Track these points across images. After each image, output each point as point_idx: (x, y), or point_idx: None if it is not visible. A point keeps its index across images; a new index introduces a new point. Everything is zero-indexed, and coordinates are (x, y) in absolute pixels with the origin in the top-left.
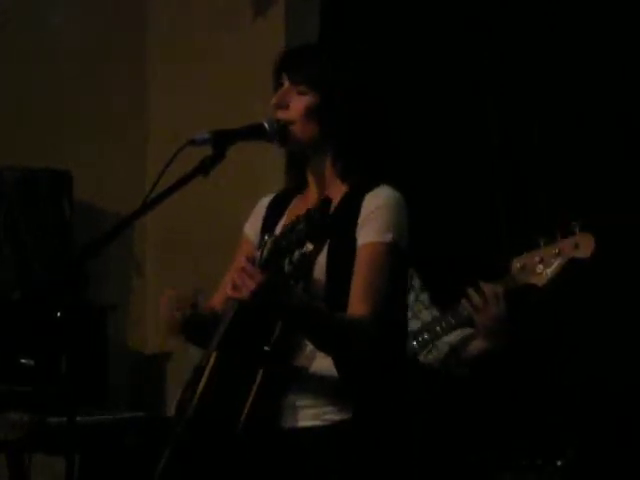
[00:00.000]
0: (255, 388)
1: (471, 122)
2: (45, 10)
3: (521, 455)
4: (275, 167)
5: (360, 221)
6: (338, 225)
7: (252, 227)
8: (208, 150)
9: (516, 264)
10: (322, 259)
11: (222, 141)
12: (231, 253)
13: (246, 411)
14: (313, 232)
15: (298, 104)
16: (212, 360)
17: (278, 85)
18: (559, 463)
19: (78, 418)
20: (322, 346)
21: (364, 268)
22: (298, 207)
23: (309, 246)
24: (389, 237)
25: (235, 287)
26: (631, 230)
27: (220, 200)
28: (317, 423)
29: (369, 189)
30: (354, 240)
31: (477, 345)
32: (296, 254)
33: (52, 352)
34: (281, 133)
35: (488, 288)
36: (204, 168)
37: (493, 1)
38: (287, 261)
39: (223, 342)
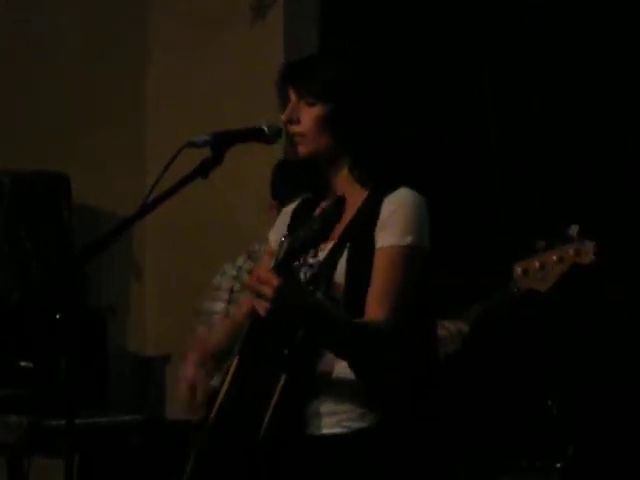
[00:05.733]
0: (277, 395)
1: (470, 122)
2: (45, 10)
3: (520, 457)
4: None
5: (379, 225)
6: (357, 228)
7: (276, 235)
8: (207, 152)
9: (518, 269)
10: (342, 264)
11: (221, 143)
12: (229, 257)
13: (268, 418)
14: (326, 230)
15: (309, 116)
16: (234, 366)
17: (284, 98)
18: (558, 465)
19: (77, 421)
20: (337, 350)
21: (381, 272)
22: None
23: (323, 246)
24: (408, 240)
25: (257, 295)
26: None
27: (219, 204)
28: (340, 430)
29: (388, 192)
30: (373, 244)
31: None
32: (311, 260)
33: (51, 355)
34: (280, 136)
35: (452, 326)
36: (203, 170)
37: (493, 2)
38: (303, 265)
39: (244, 348)
